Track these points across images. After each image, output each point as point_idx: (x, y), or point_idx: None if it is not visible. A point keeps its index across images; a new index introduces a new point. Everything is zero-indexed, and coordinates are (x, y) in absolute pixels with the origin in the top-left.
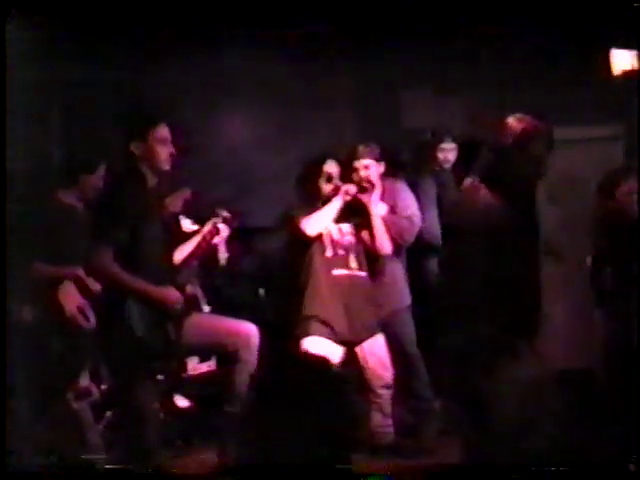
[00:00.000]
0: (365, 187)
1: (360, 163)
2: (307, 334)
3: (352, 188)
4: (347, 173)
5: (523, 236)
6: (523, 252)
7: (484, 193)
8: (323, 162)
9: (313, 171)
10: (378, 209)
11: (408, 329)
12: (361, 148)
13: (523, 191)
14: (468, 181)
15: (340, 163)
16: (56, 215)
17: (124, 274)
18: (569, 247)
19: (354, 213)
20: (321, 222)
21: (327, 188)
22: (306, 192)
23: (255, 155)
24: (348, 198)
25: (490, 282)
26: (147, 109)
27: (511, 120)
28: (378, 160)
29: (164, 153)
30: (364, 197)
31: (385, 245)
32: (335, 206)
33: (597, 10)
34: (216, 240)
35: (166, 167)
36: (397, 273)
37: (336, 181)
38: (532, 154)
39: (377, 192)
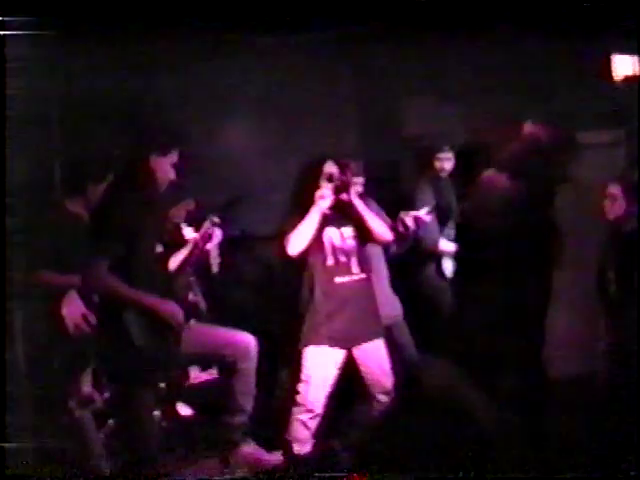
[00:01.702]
0: (339, 186)
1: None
2: (308, 344)
3: (326, 192)
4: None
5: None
6: (536, 254)
7: (503, 183)
8: (322, 163)
9: (313, 172)
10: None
11: (407, 336)
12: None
13: (543, 192)
14: (488, 172)
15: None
16: (62, 224)
17: (120, 285)
18: (572, 253)
19: (346, 216)
20: (302, 238)
21: (329, 187)
22: (307, 194)
23: (256, 163)
24: (326, 204)
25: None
26: (161, 132)
27: (526, 126)
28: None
29: (168, 177)
30: (344, 196)
31: (384, 233)
32: (314, 218)
33: (599, 15)
34: (208, 246)
35: (163, 188)
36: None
37: (337, 181)
38: (550, 159)
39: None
